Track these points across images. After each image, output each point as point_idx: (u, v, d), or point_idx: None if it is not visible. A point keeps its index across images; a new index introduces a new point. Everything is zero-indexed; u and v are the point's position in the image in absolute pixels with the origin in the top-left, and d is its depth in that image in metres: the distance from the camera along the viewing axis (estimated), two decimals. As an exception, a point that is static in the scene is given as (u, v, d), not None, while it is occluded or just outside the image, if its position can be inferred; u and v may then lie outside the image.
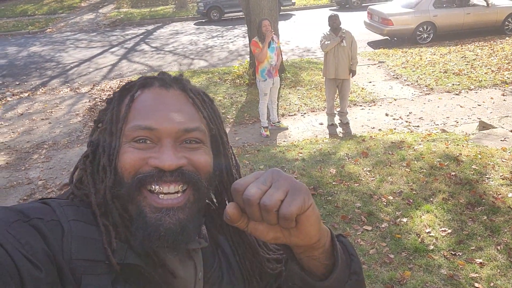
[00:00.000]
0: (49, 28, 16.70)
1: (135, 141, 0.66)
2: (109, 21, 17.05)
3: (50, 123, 7.37)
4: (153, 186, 0.64)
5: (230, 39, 13.24)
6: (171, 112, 0.67)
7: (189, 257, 0.73)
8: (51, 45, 13.83)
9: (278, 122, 6.52)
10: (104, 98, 7.17)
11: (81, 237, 0.62)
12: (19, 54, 12.87)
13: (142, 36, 14.54)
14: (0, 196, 4.97)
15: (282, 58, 7.61)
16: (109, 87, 9.09)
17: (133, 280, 0.64)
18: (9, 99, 8.85)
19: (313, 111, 7.10)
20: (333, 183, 4.28)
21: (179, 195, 0.65)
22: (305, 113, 7.05)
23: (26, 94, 9.06)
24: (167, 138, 0.66)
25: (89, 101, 8.34)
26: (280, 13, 15.05)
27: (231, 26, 15.10)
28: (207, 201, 0.78)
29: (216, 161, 0.74)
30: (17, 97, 8.97)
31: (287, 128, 6.46)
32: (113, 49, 12.76)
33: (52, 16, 19.02)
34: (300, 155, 5.10)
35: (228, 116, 7.09)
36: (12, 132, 7.00)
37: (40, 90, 9.32)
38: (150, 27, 16.19)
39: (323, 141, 5.82)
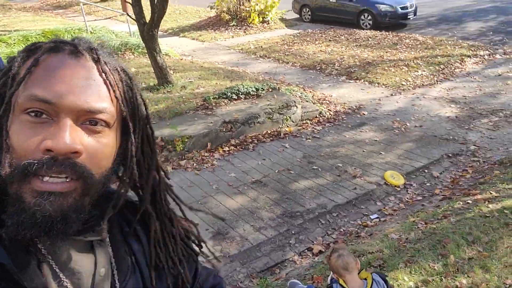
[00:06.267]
0: None
1: (28, 113, 0.57)
2: None
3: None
4: (40, 176, 0.56)
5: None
6: (76, 86, 0.59)
7: (89, 250, 0.66)
8: None
9: None
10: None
11: None
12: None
13: None
14: (432, 144, 4.98)
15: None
16: None
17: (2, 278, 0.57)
18: (498, 57, 8.20)
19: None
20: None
21: (67, 179, 0.58)
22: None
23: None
24: (66, 116, 0.58)
25: None
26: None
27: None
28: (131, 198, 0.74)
29: (123, 150, 0.67)
30: (507, 57, 8.13)
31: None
32: None
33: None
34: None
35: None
36: (478, 90, 6.71)
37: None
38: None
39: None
